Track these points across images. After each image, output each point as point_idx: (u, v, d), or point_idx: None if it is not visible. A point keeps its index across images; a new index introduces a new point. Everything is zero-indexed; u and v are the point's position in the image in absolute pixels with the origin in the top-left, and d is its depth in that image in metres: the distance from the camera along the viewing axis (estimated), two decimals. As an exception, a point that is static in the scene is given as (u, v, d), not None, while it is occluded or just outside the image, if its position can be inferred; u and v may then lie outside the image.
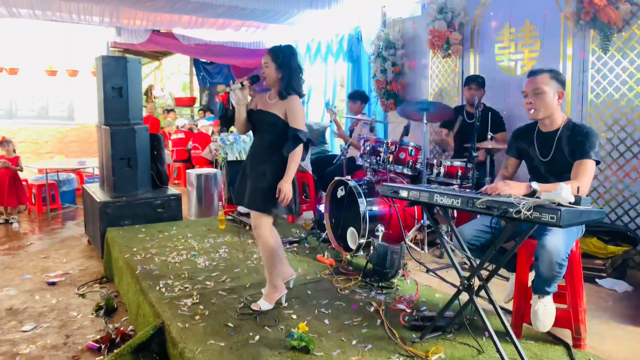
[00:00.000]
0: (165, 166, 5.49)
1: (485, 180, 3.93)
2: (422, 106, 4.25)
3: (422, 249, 4.23)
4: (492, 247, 2.22)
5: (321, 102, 7.81)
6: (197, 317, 2.66)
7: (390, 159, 4.28)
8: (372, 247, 3.43)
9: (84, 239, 5.31)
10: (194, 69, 12.57)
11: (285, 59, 2.76)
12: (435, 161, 4.34)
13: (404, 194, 2.46)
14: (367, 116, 5.19)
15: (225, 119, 9.36)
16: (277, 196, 2.68)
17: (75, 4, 6.26)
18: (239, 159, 6.04)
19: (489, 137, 3.93)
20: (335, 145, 7.60)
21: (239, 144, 6.15)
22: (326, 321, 2.64)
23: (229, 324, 2.59)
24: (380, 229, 3.60)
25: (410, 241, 4.22)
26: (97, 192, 4.87)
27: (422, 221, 4.23)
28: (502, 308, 2.56)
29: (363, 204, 3.89)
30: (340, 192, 4.19)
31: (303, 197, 5.90)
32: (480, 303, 2.33)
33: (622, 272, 3.69)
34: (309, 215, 5.77)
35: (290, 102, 2.76)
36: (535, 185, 2.18)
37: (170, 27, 7.82)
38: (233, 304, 2.87)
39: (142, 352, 2.55)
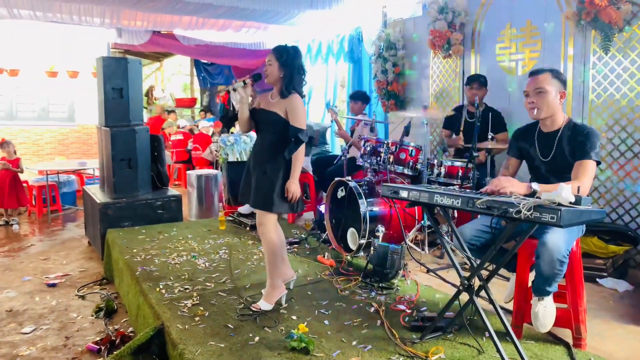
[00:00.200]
0: (166, 167, 5.49)
1: (486, 180, 3.93)
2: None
3: (423, 249, 4.23)
4: (492, 247, 2.21)
5: (322, 102, 7.81)
6: (197, 318, 2.66)
7: (391, 160, 4.28)
8: (372, 248, 3.42)
9: (84, 240, 5.31)
10: (194, 70, 12.58)
11: (289, 59, 2.77)
12: (435, 161, 4.33)
13: (404, 194, 2.45)
14: (367, 116, 5.19)
15: (226, 120, 9.33)
16: (286, 196, 2.74)
17: (75, 5, 6.26)
18: (239, 159, 6.03)
19: (490, 137, 3.93)
20: (335, 146, 7.60)
21: (239, 145, 6.14)
22: (326, 322, 2.64)
23: (229, 325, 2.58)
24: (381, 229, 3.60)
25: (411, 241, 4.21)
26: (97, 194, 4.87)
27: (422, 221, 4.23)
28: (502, 308, 2.55)
29: (363, 205, 3.88)
30: (341, 193, 4.18)
31: (304, 198, 5.89)
32: (481, 303, 2.32)
33: (623, 272, 3.69)
34: (309, 215, 5.76)
35: (291, 100, 2.77)
36: (535, 186, 2.18)
37: (171, 28, 7.82)
38: (233, 304, 2.86)
39: (142, 353, 2.55)
